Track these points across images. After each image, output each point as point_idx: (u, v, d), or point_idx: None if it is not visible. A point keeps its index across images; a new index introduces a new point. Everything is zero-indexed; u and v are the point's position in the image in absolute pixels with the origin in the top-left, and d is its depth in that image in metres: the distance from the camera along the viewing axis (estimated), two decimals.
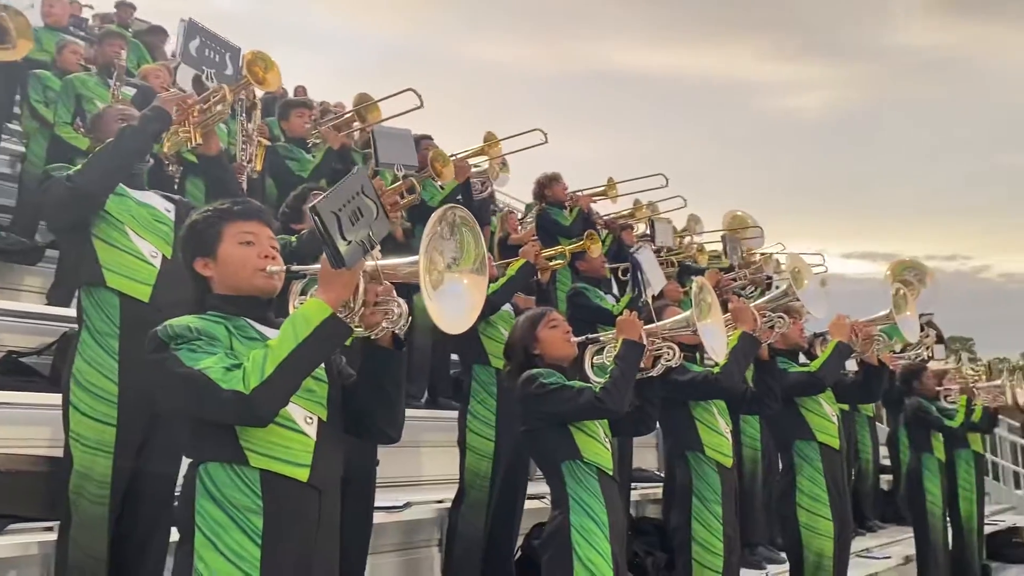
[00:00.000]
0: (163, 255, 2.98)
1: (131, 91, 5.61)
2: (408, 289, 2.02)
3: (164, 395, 1.94)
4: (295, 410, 1.91)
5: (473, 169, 6.10)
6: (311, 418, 1.95)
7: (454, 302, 1.90)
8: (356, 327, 1.92)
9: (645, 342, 3.23)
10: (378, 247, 1.90)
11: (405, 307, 1.95)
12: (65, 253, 4.48)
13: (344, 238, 1.78)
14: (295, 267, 2.05)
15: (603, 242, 6.95)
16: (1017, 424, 9.52)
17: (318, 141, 5.15)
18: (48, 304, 4.76)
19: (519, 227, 7.43)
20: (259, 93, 5.47)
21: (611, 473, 3.10)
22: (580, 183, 7.32)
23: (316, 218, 1.75)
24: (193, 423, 1.90)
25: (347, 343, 1.96)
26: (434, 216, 1.87)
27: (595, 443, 3.08)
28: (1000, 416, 8.68)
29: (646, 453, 6.64)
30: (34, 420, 3.52)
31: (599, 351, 3.44)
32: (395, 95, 5.38)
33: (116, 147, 2.96)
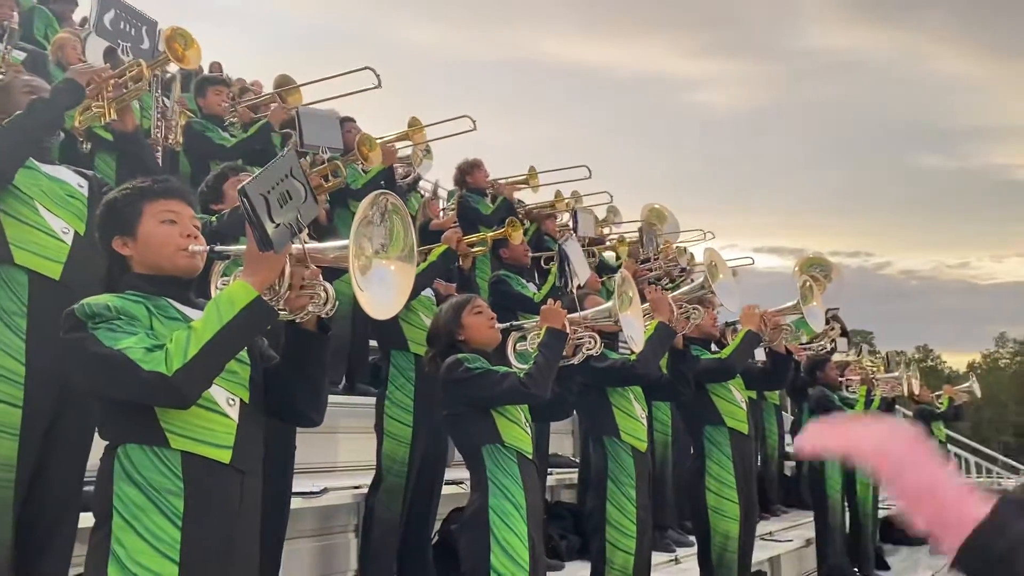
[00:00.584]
0: (75, 232, 2.88)
1: (21, 55, 5.36)
2: (329, 274, 2.01)
3: (81, 376, 1.89)
4: (217, 392, 1.90)
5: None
6: (233, 400, 1.94)
7: (381, 288, 1.91)
8: (281, 310, 1.91)
9: (568, 331, 3.31)
10: (306, 230, 1.89)
11: (331, 291, 1.95)
12: None
13: (272, 220, 1.77)
14: (219, 247, 2.03)
15: (525, 231, 7.01)
16: (911, 413, 10.02)
17: (235, 120, 5.03)
18: None
19: (441, 213, 7.42)
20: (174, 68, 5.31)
21: (530, 457, 3.18)
22: (503, 171, 7.36)
23: (244, 200, 1.73)
24: (110, 405, 1.87)
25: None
26: (365, 201, 1.87)
27: (516, 428, 3.15)
28: (896, 405, 9.14)
29: (563, 439, 6.75)
30: None
31: (522, 338, 3.52)
32: (353, 72, 5.22)
33: (26, 121, 2.84)
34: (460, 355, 3.16)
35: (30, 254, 2.81)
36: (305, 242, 1.90)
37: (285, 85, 5.66)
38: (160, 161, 4.12)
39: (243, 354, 1.99)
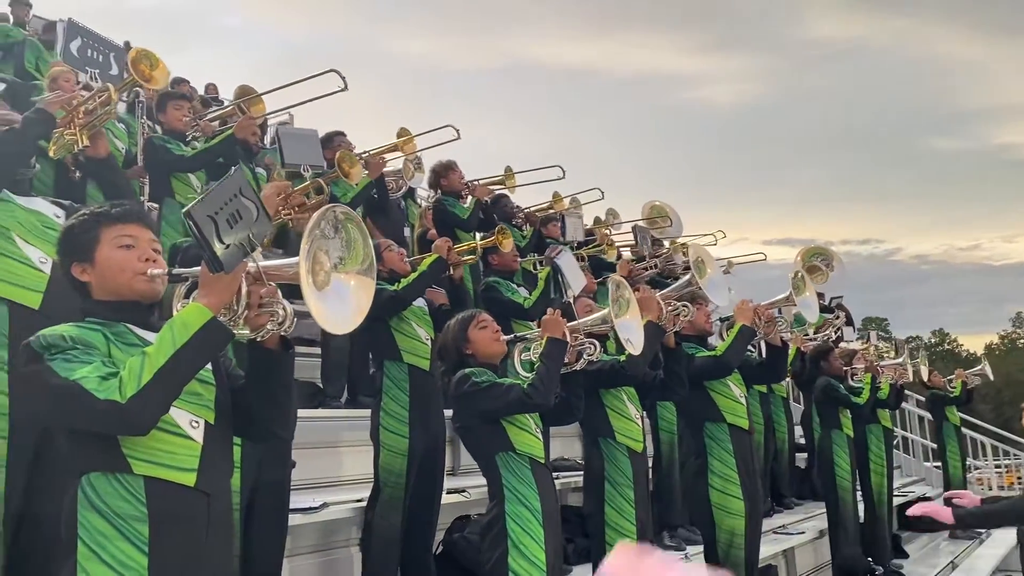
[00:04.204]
0: (53, 261, 2.90)
1: (1, 86, 5.41)
2: (297, 289, 2.00)
3: (41, 408, 1.89)
4: (180, 415, 1.89)
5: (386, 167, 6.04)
6: (197, 422, 1.92)
7: (339, 303, 1.89)
8: (240, 330, 1.91)
9: (568, 339, 3.40)
10: (260, 248, 1.89)
11: (290, 308, 1.94)
12: None
13: (222, 241, 1.77)
14: (176, 270, 2.02)
15: (524, 236, 7.00)
16: (924, 399, 9.93)
17: (198, 135, 5.00)
18: None
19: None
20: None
21: (543, 462, 3.28)
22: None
23: (190, 222, 1.73)
24: (72, 434, 1.85)
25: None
26: (315, 215, 1.85)
27: (527, 435, 3.26)
28: (908, 392, 9.06)
29: (571, 442, 6.70)
30: None
31: (526, 349, 3.61)
32: (319, 75, 5.18)
33: None
34: (467, 370, 3.28)
35: (9, 285, 2.83)
36: (259, 260, 1.89)
37: (247, 95, 5.61)
38: (148, 186, 4.11)
39: (208, 375, 1.98)
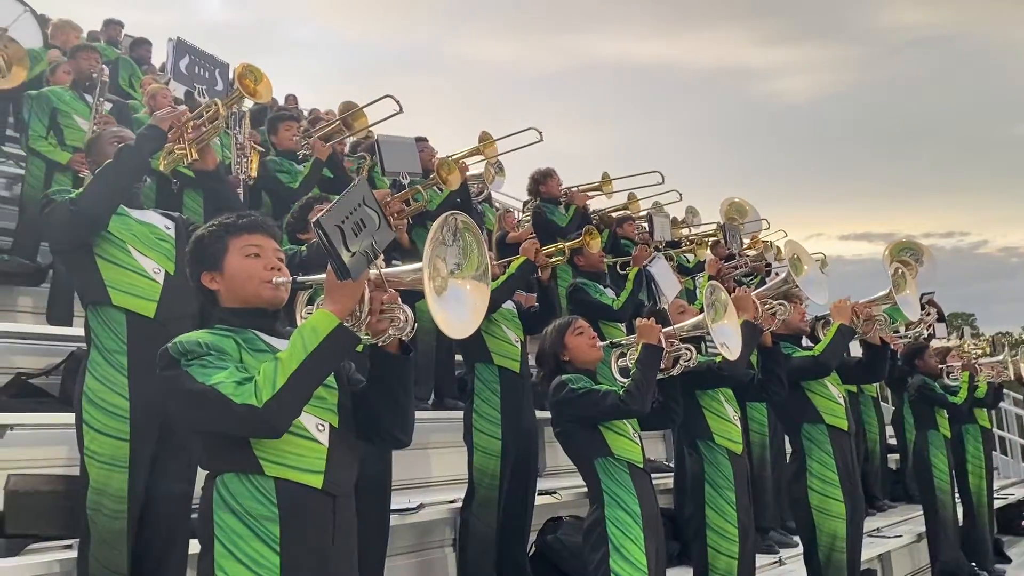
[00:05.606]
0: (165, 271, 3.01)
1: (107, 105, 5.64)
2: (412, 295, 2.04)
3: (178, 411, 1.97)
4: (307, 418, 1.94)
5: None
6: (323, 425, 1.98)
7: (457, 308, 1.93)
8: (363, 335, 1.95)
9: (664, 345, 3.42)
10: (382, 256, 1.93)
11: (410, 313, 1.97)
12: (64, 273, 4.54)
13: (348, 249, 1.81)
14: (301, 277, 2.07)
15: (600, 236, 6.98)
16: (1022, 398, 9.54)
17: (308, 152, 5.15)
18: (49, 324, 4.78)
19: (516, 225, 7.46)
20: (249, 104, 5.48)
21: (641, 466, 3.31)
22: (577, 178, 7.37)
23: (320, 232, 1.77)
24: (208, 437, 1.93)
25: (359, 350, 2.00)
26: (436, 222, 1.89)
27: (624, 440, 3.30)
28: (1006, 390, 8.73)
29: (655, 444, 6.66)
30: (49, 440, 3.55)
31: (622, 355, 3.64)
32: (375, 102, 5.40)
33: (115, 168, 2.99)
34: (564, 376, 3.34)
35: (126, 295, 2.95)
36: (381, 267, 1.93)
37: (349, 111, 5.76)
38: (242, 196, 4.26)
39: (331, 380, 2.03)
